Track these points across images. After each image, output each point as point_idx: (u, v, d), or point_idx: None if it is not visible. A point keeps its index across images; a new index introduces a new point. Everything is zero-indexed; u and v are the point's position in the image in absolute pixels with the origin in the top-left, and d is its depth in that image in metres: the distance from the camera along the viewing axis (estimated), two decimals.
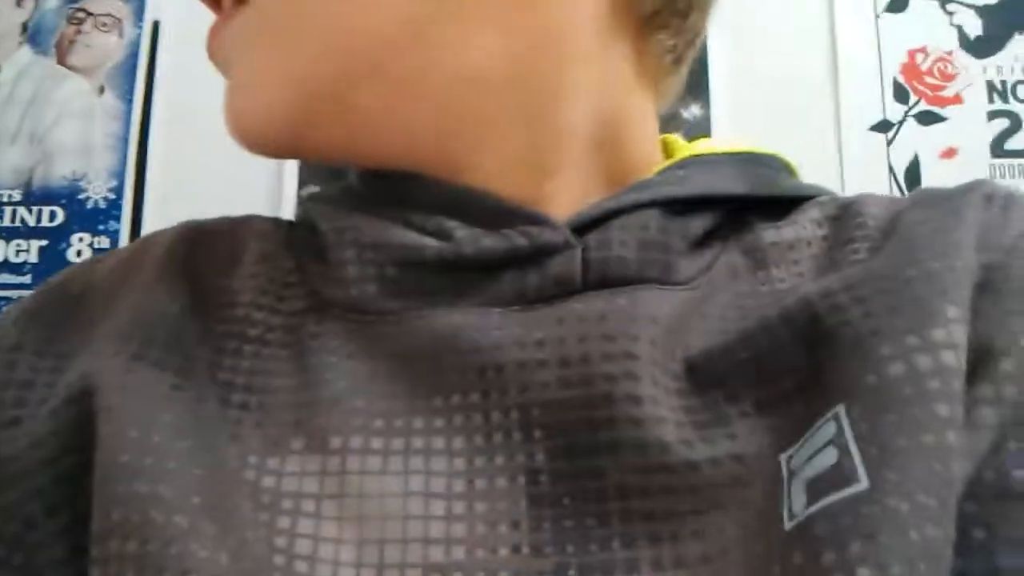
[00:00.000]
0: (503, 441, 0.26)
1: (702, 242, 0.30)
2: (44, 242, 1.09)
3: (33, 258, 1.09)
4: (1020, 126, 0.95)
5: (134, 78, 1.13)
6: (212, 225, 0.34)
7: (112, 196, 1.10)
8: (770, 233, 0.31)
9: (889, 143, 0.95)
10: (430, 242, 0.28)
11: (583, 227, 0.29)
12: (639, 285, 0.28)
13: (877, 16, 0.98)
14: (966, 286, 0.25)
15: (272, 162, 1.08)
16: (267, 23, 0.30)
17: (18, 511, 0.26)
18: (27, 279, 1.09)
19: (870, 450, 0.23)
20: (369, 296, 0.29)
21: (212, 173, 1.09)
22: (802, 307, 0.26)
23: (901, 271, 0.26)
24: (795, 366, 0.26)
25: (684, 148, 0.34)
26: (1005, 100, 0.95)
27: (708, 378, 0.26)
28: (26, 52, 1.15)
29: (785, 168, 0.34)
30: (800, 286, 0.29)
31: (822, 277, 0.29)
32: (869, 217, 0.30)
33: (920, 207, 0.29)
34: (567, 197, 0.30)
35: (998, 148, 0.94)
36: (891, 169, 0.94)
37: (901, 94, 0.96)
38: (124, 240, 1.09)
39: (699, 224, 0.30)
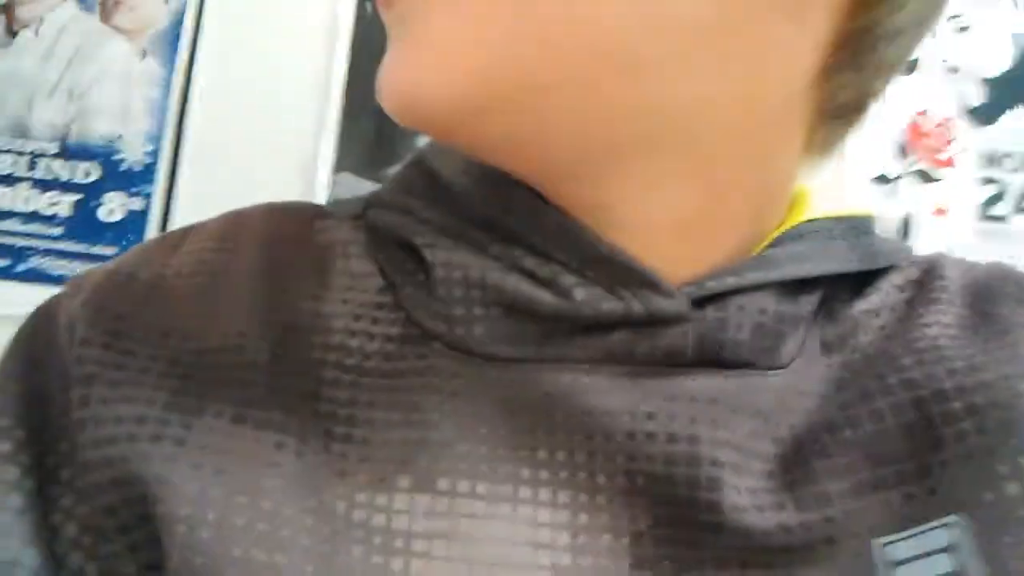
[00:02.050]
0: (607, 502, 0.26)
1: (804, 318, 0.30)
2: (78, 197, 1.12)
3: (66, 211, 1.11)
4: (1004, 194, 1.04)
5: (177, 45, 1.16)
6: (292, 228, 0.32)
7: (148, 160, 1.13)
8: (859, 302, 0.31)
9: (887, 197, 1.03)
10: (545, 296, 0.28)
11: (703, 299, 0.28)
12: (747, 370, 0.28)
13: None
14: None
15: (308, 137, 1.12)
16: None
17: (91, 522, 0.26)
18: (58, 231, 1.11)
19: (988, 568, 0.24)
20: (475, 338, 0.28)
21: (248, 145, 1.12)
22: (914, 403, 0.27)
23: (1013, 383, 0.27)
24: (900, 457, 0.26)
25: (803, 199, 0.33)
26: (996, 168, 1.04)
27: (810, 454, 0.27)
28: (71, 7, 1.17)
29: (874, 229, 0.33)
30: (894, 357, 0.29)
31: (915, 351, 0.29)
32: (949, 281, 0.31)
33: (1012, 298, 0.30)
34: (696, 256, 0.29)
35: (984, 212, 1.03)
36: (885, 220, 1.02)
37: (902, 152, 1.04)
38: (157, 205, 1.12)
39: (809, 305, 0.30)
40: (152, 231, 1.11)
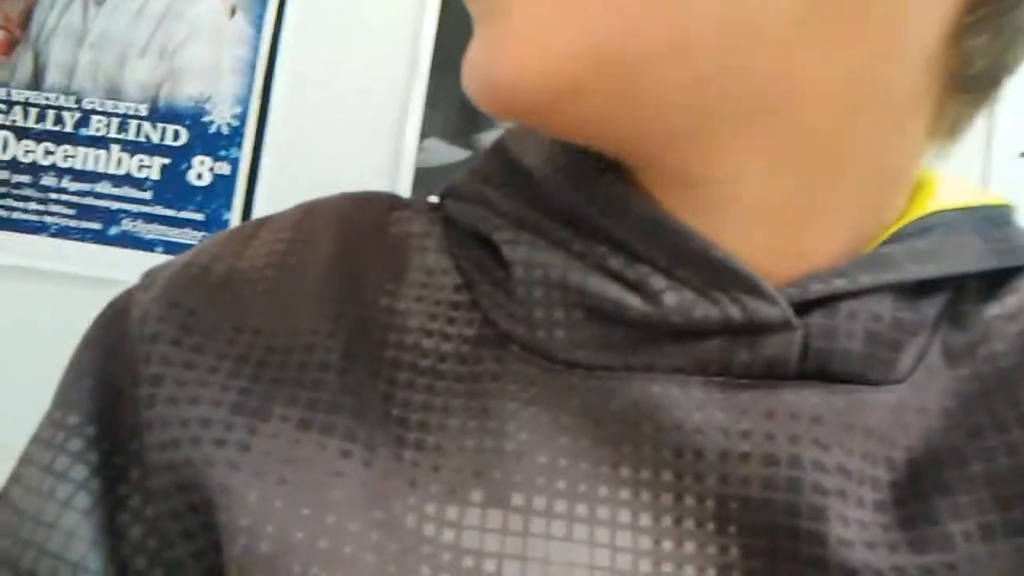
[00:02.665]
0: (694, 529, 0.24)
1: (926, 324, 0.27)
2: (167, 160, 1.11)
3: (155, 175, 1.11)
4: None
5: (266, 3, 1.12)
6: (368, 219, 0.31)
7: (235, 123, 1.11)
8: (992, 306, 0.27)
9: None
10: (632, 301, 0.25)
11: (807, 302, 0.25)
12: (857, 385, 0.25)
13: None
14: None
15: (396, 101, 1.07)
16: None
17: (157, 525, 0.26)
18: (148, 195, 1.11)
19: None
20: (558, 342, 0.26)
21: (334, 106, 1.09)
22: None
23: None
24: None
25: (928, 187, 0.30)
26: None
27: (931, 487, 0.24)
28: None
29: (1013, 219, 0.30)
30: None
31: None
32: None
33: None
34: (800, 251, 0.26)
35: None
36: None
37: None
38: (244, 169, 1.10)
39: (932, 310, 0.26)
40: (239, 196, 1.09)
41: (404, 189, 1.05)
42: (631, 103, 0.24)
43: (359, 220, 0.31)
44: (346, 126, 1.08)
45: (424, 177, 1.05)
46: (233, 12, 1.13)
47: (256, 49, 1.11)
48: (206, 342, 0.27)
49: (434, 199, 0.32)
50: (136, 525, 0.26)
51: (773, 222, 0.26)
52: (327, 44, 1.11)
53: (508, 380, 0.26)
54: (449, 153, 1.06)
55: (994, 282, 0.28)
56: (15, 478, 0.27)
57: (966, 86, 0.27)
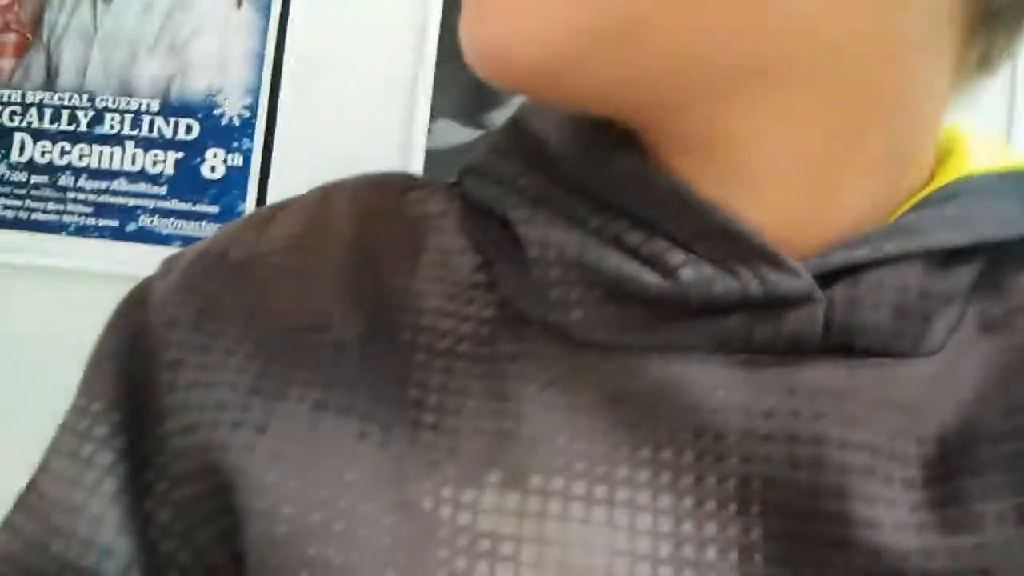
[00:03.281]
0: (715, 510, 0.23)
1: (958, 292, 0.26)
2: (180, 155, 1.11)
3: (169, 170, 1.11)
4: None
5: (269, 12, 1.12)
6: (386, 200, 0.30)
7: (246, 114, 1.11)
8: None
9: None
10: (650, 277, 0.25)
11: (831, 273, 0.24)
12: (886, 358, 0.24)
13: None
14: None
15: (404, 85, 1.07)
16: None
17: (183, 509, 0.26)
18: (163, 190, 1.11)
19: None
20: (574, 322, 0.26)
21: (343, 92, 1.08)
22: None
23: None
24: None
25: (959, 151, 0.28)
26: None
27: (963, 465, 0.23)
28: None
29: None
30: None
31: None
32: None
33: None
34: (822, 218, 0.25)
35: None
36: None
37: None
38: (256, 160, 1.10)
39: (965, 278, 0.25)
40: (252, 187, 1.09)
41: (416, 171, 1.04)
42: (637, 69, 0.23)
43: (376, 201, 0.30)
44: (356, 112, 1.07)
45: (436, 159, 1.04)
46: (240, 3, 1.13)
47: (264, 39, 1.11)
48: (224, 326, 0.27)
49: (452, 179, 0.32)
50: (164, 509, 0.26)
51: (794, 188, 0.25)
52: (334, 31, 1.10)
53: (526, 362, 0.26)
54: (460, 134, 1.05)
55: None
56: (43, 467, 0.27)
57: (994, 17, 0.26)
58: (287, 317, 0.27)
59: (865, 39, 0.24)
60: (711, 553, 0.23)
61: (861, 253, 0.24)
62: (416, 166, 1.05)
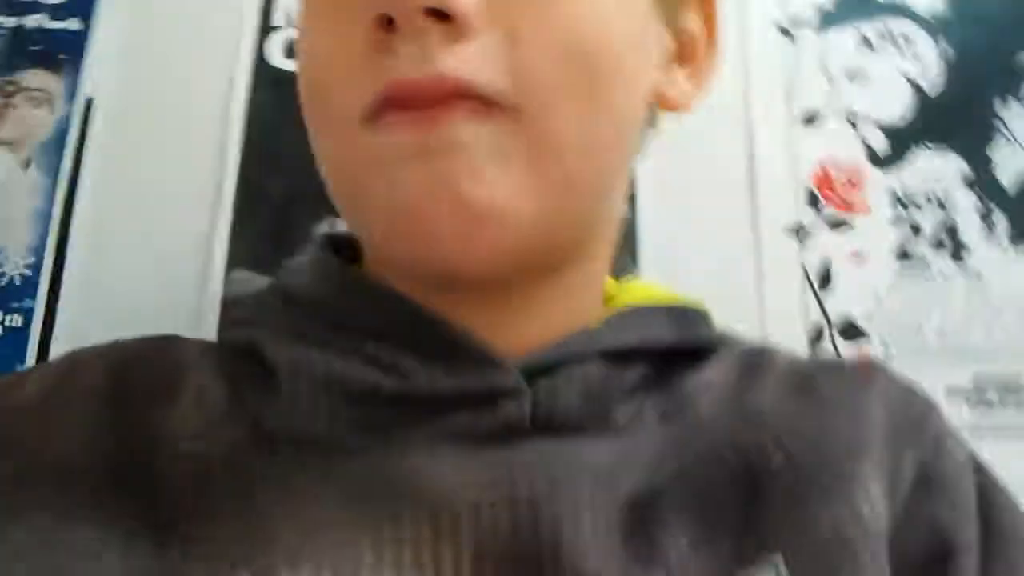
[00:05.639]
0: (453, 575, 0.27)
1: (635, 388, 0.33)
2: None
3: None
4: (918, 234, 1.01)
5: (62, 154, 1.11)
6: (142, 351, 0.33)
7: (28, 272, 1.06)
8: (691, 378, 0.34)
9: (802, 246, 1.00)
10: (387, 381, 0.30)
11: (534, 369, 0.31)
12: (581, 432, 0.30)
13: (791, 128, 1.05)
14: (884, 466, 0.30)
15: (201, 241, 1.07)
16: (533, 137, 0.28)
17: None
18: None
19: None
20: (321, 430, 0.29)
21: (136, 248, 1.07)
22: (741, 462, 0.29)
23: (824, 439, 0.30)
24: (730, 511, 0.29)
25: (623, 292, 0.38)
26: (906, 209, 1.02)
27: (649, 515, 0.29)
28: None
29: (704, 318, 0.38)
30: (725, 424, 0.32)
31: (744, 417, 0.32)
32: (775, 366, 0.35)
33: (833, 380, 0.34)
34: (539, 331, 0.32)
35: (901, 253, 1.01)
36: (804, 269, 0.99)
37: (813, 201, 1.02)
38: (38, 320, 1.05)
39: (635, 373, 0.33)
40: (32, 347, 1.03)
41: (210, 322, 1.03)
42: (544, 248, 0.31)
43: (133, 350, 0.34)
44: (148, 270, 1.06)
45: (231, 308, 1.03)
46: (27, 164, 1.11)
47: (51, 199, 1.09)
48: None
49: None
50: None
51: (514, 312, 0.32)
52: (126, 191, 1.10)
53: (277, 471, 0.28)
54: (256, 283, 1.05)
55: (697, 360, 0.35)
56: None
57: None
58: (37, 448, 0.29)
59: (612, 227, 0.34)
60: None
61: (559, 353, 0.31)
62: (210, 318, 1.03)
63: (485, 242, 0.29)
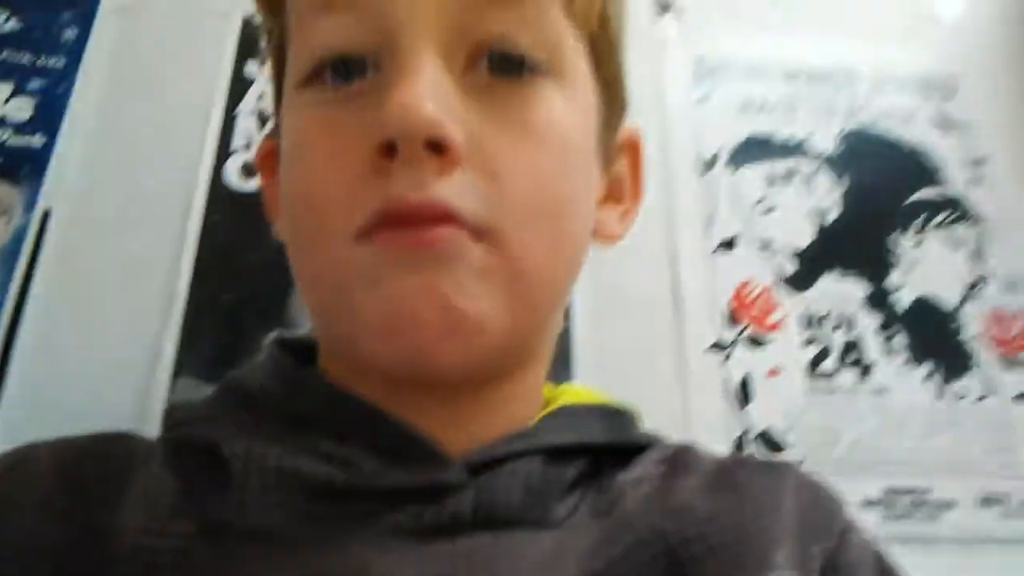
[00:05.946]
0: None
1: (573, 485, 0.36)
2: None
3: None
4: (828, 352, 1.10)
5: (15, 264, 1.13)
6: (93, 444, 0.35)
7: None
8: (622, 475, 0.37)
9: (723, 362, 1.08)
10: (338, 475, 0.31)
11: (478, 465, 0.33)
12: (520, 527, 0.32)
13: (712, 253, 1.14)
14: (795, 557, 0.33)
15: (148, 344, 1.08)
16: (508, 259, 0.31)
17: None
18: None
19: None
20: (271, 523, 0.30)
21: (82, 358, 1.07)
22: (666, 550, 0.32)
23: (743, 527, 0.33)
24: None
25: (560, 393, 0.42)
26: (817, 328, 1.11)
27: None
28: None
29: (634, 418, 0.42)
30: (652, 518, 0.34)
31: (670, 510, 0.35)
32: (699, 463, 0.38)
33: (751, 475, 0.37)
34: (483, 431, 0.34)
35: (812, 370, 1.09)
36: (725, 384, 1.06)
37: (732, 321, 1.11)
38: None
39: (572, 471, 0.35)
40: None
41: (151, 431, 1.03)
42: (506, 355, 0.34)
43: (82, 447, 0.34)
44: (94, 375, 1.07)
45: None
46: None
47: (2, 298, 1.10)
48: None
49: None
50: None
51: (464, 411, 0.34)
52: (78, 296, 1.12)
53: (225, 564, 0.29)
54: (203, 391, 1.07)
55: (626, 460, 0.38)
56: None
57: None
58: None
59: (549, 346, 0.38)
60: None
61: (498, 450, 0.33)
62: (153, 423, 1.04)
63: (463, 346, 0.31)
